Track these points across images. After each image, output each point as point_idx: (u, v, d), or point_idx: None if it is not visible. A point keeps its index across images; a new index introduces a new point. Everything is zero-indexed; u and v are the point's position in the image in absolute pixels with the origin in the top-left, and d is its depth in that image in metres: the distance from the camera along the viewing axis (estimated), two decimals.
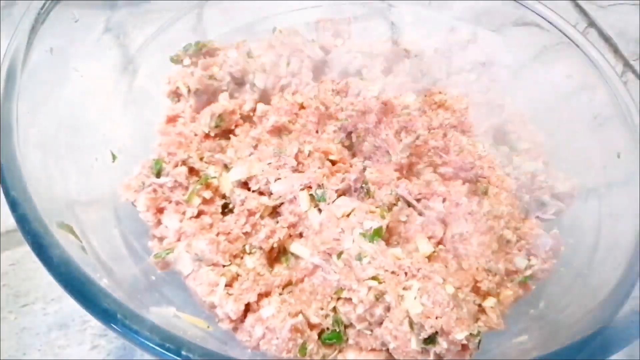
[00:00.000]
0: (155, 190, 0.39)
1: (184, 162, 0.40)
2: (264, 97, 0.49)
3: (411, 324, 0.33)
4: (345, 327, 0.36)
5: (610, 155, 0.46)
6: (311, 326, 0.36)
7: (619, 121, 0.45)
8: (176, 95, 0.47)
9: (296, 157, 0.42)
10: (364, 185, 0.41)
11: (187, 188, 0.39)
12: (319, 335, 0.36)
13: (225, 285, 0.35)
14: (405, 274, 0.35)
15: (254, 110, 0.48)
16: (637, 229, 0.39)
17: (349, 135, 0.47)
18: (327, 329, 0.36)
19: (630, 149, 0.44)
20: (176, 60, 0.48)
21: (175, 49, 0.50)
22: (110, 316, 0.27)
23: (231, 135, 0.46)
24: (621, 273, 0.37)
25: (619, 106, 0.45)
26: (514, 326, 0.37)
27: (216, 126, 0.45)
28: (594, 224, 0.44)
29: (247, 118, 0.48)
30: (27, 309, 0.47)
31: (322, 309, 0.36)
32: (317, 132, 0.46)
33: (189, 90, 0.46)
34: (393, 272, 0.35)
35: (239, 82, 0.48)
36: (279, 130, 0.47)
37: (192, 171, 0.41)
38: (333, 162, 0.45)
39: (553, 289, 0.40)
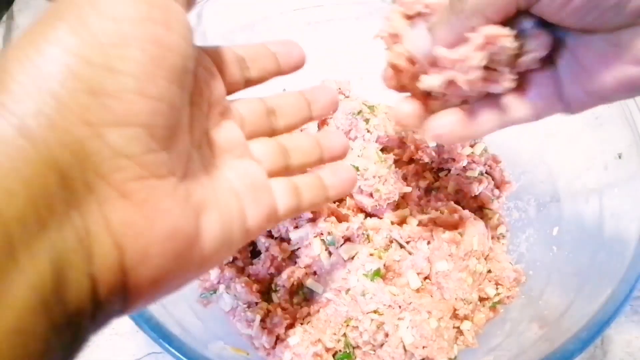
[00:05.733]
0: None
1: None
2: None
3: (405, 348, 0.43)
4: (354, 348, 0.46)
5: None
6: (327, 349, 0.45)
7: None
8: None
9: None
10: (364, 232, 0.51)
11: None
12: (334, 355, 0.46)
13: (260, 321, 0.45)
14: (400, 307, 0.45)
15: None
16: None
17: None
18: (340, 350, 0.46)
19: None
20: None
21: None
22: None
23: None
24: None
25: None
26: (485, 345, 0.46)
27: None
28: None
29: None
30: None
31: (335, 334, 0.46)
32: None
33: None
34: (390, 306, 0.45)
35: None
36: None
37: None
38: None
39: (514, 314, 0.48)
